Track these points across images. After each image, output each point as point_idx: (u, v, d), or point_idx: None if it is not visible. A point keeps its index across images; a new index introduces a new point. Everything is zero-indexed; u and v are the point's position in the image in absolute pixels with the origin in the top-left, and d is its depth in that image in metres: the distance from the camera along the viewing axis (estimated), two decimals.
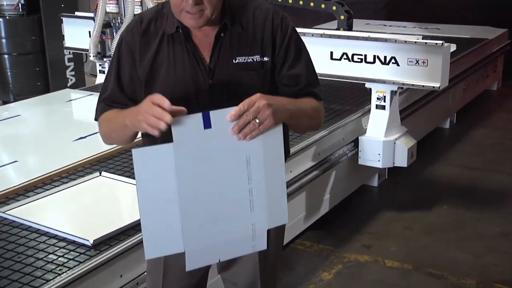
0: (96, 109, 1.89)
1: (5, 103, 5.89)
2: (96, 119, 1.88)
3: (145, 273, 2.05)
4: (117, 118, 1.76)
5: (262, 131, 1.58)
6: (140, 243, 2.31)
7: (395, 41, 3.76)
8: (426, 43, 3.68)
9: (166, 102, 1.55)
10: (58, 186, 2.90)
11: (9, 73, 6.26)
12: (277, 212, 1.65)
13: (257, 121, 1.57)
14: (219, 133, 1.56)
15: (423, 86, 3.78)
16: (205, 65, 1.78)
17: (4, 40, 6.16)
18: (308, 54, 1.89)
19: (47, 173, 3.01)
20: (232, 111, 1.56)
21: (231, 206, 1.61)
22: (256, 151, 1.59)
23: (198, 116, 1.54)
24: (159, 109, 1.55)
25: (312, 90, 1.85)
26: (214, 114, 1.56)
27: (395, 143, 4.00)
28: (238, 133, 1.58)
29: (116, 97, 1.84)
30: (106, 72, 1.99)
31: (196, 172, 1.56)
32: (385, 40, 3.80)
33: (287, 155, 1.83)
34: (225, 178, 1.59)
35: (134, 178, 2.89)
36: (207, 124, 1.54)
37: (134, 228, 2.46)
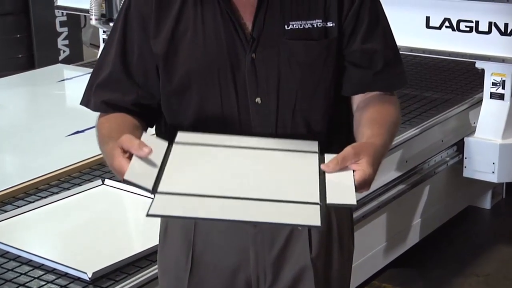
0: (86, 93, 1.91)
1: None
2: (86, 105, 1.91)
3: None
4: (105, 141, 1.78)
5: None
6: (155, 278, 2.36)
7: None
8: None
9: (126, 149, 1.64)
10: (45, 197, 2.97)
11: None
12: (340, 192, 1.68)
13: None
14: None
15: None
16: (245, 33, 1.80)
17: None
18: (386, 21, 1.90)
19: (30, 180, 3.09)
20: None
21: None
22: None
23: None
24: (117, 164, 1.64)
25: (389, 81, 1.88)
26: None
27: None
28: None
29: (117, 80, 1.86)
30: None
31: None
32: (507, 0, 3.77)
33: None
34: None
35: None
36: None
37: (148, 258, 2.51)
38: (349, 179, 1.63)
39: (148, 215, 1.54)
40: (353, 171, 1.63)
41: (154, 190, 1.60)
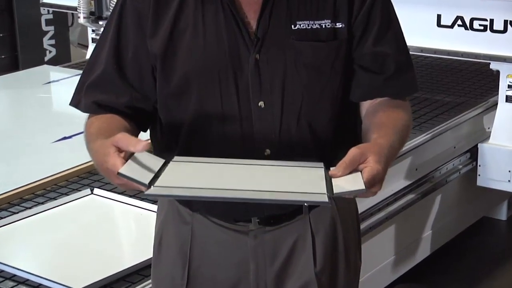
0: (76, 93, 1.91)
1: None
2: (75, 106, 1.91)
3: None
4: (92, 139, 1.77)
5: None
6: None
7: None
8: None
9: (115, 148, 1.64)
10: (30, 208, 2.96)
11: None
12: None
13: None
14: None
15: None
16: (249, 32, 1.81)
17: None
18: (398, 22, 1.91)
19: (14, 189, 3.09)
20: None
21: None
22: None
23: None
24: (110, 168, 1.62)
25: (400, 87, 1.88)
26: None
27: None
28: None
29: (110, 80, 1.86)
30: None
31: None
32: None
33: None
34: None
35: (140, 199, 2.98)
36: None
37: (140, 272, 2.50)
38: (357, 177, 1.64)
39: (146, 194, 1.58)
40: (361, 171, 1.63)
41: (151, 184, 1.60)
